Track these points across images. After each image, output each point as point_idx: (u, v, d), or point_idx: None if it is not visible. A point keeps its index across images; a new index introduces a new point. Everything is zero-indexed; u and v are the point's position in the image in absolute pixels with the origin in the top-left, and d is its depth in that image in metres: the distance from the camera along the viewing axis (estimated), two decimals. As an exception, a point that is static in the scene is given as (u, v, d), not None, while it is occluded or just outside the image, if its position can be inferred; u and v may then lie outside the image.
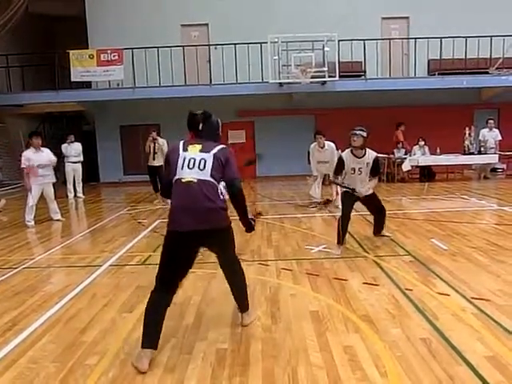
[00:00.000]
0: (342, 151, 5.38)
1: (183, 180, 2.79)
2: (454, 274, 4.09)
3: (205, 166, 2.79)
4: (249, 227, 3.07)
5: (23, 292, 4.07)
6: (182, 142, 2.94)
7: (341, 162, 5.20)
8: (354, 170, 5.15)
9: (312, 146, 8.14)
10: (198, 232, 2.74)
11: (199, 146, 2.86)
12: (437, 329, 2.98)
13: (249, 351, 2.77)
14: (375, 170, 5.19)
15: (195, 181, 2.76)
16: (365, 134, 5.02)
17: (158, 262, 2.84)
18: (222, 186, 2.90)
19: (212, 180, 2.79)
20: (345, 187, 5.22)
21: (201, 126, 2.97)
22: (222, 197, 2.85)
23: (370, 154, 5.15)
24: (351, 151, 5.15)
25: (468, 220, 6.68)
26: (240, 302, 3.20)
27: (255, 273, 4.38)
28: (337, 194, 8.16)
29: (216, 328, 3.13)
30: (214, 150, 2.85)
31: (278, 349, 2.79)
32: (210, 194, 2.77)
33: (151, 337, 2.71)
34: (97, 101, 13.74)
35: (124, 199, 11.04)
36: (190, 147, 2.87)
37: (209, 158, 2.82)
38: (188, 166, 2.80)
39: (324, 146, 7.92)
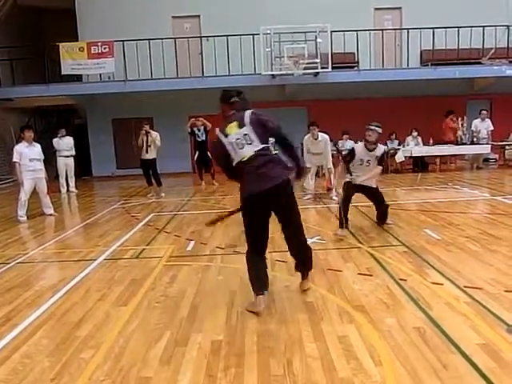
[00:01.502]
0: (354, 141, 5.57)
1: (244, 160, 3.16)
2: (447, 264, 4.12)
3: (251, 140, 3.18)
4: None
5: (17, 287, 4.05)
6: (219, 131, 3.32)
7: (352, 153, 5.54)
8: (362, 162, 5.48)
9: (306, 137, 8.13)
10: (268, 190, 3.08)
11: (235, 124, 3.23)
12: (430, 318, 3.00)
13: (244, 343, 2.77)
14: (380, 161, 5.51)
15: (253, 153, 3.15)
16: (380, 130, 5.40)
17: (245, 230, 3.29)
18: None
19: (265, 145, 3.21)
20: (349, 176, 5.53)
21: (233, 99, 3.41)
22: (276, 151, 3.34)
23: (380, 149, 5.50)
24: (365, 145, 5.44)
25: (461, 210, 6.72)
26: (303, 268, 3.59)
27: (250, 265, 4.38)
28: (331, 184, 8.19)
29: (211, 320, 3.13)
30: (247, 119, 3.22)
31: (273, 340, 2.79)
32: (271, 157, 3.20)
33: (263, 282, 3.23)
34: (88, 94, 13.61)
35: (117, 193, 10.98)
36: (228, 129, 3.24)
37: (249, 130, 3.19)
38: (238, 147, 3.18)
39: (318, 137, 7.93)
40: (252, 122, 3.20)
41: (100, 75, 13.26)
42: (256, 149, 3.16)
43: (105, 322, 3.21)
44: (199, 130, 10.78)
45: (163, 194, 9.54)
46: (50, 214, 7.73)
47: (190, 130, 10.89)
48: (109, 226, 6.68)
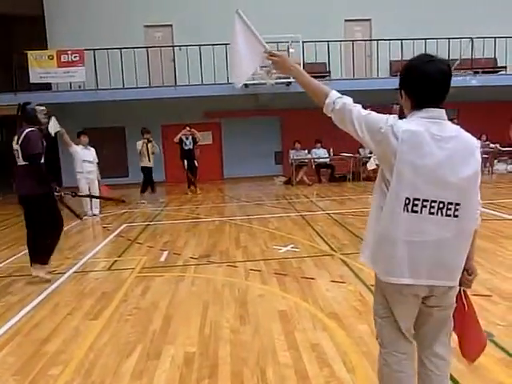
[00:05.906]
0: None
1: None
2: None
3: (19, 156, 4.29)
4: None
5: (-19, 303, 3.90)
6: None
7: None
8: None
9: None
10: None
11: (16, 138, 4.34)
12: (401, 323, 3.04)
13: (217, 353, 2.75)
14: None
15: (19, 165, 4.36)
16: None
17: None
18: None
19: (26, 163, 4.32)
20: None
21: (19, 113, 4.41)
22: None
23: None
24: None
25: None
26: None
27: (224, 274, 4.37)
28: None
29: (184, 331, 3.10)
30: (20, 141, 4.26)
31: (246, 350, 2.78)
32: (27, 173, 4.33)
33: None
34: (58, 103, 13.32)
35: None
36: (16, 139, 4.34)
37: (19, 149, 4.31)
38: (16, 155, 4.32)
39: None
40: (22, 144, 4.24)
41: (70, 84, 13.02)
42: (20, 163, 4.30)
43: (74, 336, 3.12)
44: (187, 139, 11.13)
45: (144, 202, 9.64)
46: (94, 215, 8.30)
47: (178, 139, 11.04)
48: (79, 238, 6.54)
